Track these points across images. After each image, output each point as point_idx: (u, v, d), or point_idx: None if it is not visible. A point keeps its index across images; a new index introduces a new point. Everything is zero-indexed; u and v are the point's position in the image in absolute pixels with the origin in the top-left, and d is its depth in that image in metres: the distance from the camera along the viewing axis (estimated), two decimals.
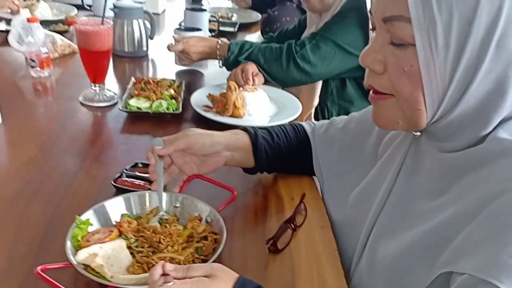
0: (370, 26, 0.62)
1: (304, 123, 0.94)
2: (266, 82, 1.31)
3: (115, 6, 1.47)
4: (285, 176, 0.94)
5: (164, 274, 0.54)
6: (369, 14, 0.62)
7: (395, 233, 0.64)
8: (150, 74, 1.46)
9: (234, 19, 2.05)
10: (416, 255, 0.58)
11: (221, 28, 1.85)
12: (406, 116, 0.59)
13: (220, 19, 1.97)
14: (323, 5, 1.36)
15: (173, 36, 1.39)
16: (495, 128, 0.55)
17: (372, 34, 0.61)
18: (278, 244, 0.75)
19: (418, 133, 0.66)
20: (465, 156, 0.57)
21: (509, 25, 0.51)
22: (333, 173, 0.87)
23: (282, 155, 0.89)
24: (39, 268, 0.58)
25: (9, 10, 1.72)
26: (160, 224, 0.72)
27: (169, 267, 0.55)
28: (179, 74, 1.48)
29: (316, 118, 1.46)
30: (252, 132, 0.87)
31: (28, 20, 1.27)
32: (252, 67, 1.27)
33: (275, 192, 0.90)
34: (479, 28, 0.51)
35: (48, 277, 0.58)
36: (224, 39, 1.38)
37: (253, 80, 1.25)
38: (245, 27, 1.99)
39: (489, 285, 0.46)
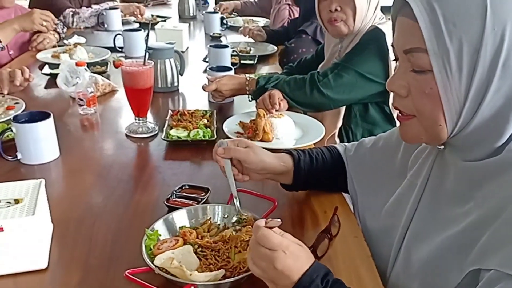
0: (393, 57, 0.73)
1: (337, 145, 1.04)
2: (290, 108, 1.42)
3: (149, 48, 1.61)
4: (317, 192, 1.03)
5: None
6: (391, 47, 0.73)
7: (426, 237, 0.72)
8: (181, 106, 1.59)
9: (252, 52, 2.19)
10: (447, 256, 0.66)
11: (242, 61, 1.98)
12: (428, 132, 0.68)
13: (240, 53, 2.11)
14: (348, 29, 1.43)
15: (207, 77, 1.52)
16: (510, 140, 0.63)
17: (395, 64, 0.73)
18: (318, 251, 0.84)
19: (442, 147, 0.74)
20: (485, 165, 0.65)
21: (511, 49, 0.59)
22: (366, 188, 0.95)
23: (319, 175, 0.99)
24: (127, 271, 0.70)
25: (49, 55, 1.89)
26: (239, 222, 0.84)
27: (274, 222, 0.67)
28: (209, 105, 1.60)
29: (341, 140, 1.54)
30: (296, 158, 0.97)
31: (77, 64, 1.42)
32: (277, 93, 1.38)
33: (309, 206, 0.99)
34: (486, 53, 0.59)
35: (137, 279, 0.69)
36: (252, 75, 1.50)
37: (279, 104, 1.36)
38: (263, 59, 2.13)
39: None
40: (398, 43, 0.68)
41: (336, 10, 1.40)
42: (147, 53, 1.26)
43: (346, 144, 1.05)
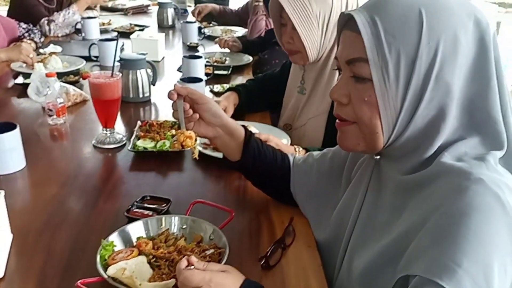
0: (335, 67, 0.78)
1: (288, 154, 1.06)
2: (258, 119, 1.45)
3: (121, 58, 1.64)
4: (276, 202, 1.07)
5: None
6: (334, 60, 0.77)
7: (365, 245, 0.76)
8: (153, 117, 1.61)
9: (227, 62, 2.23)
10: (381, 265, 0.70)
11: (216, 72, 2.02)
12: (366, 139, 0.72)
13: (215, 64, 2.15)
14: (305, 61, 1.36)
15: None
16: (441, 152, 0.67)
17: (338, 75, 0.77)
18: (270, 261, 0.87)
19: (378, 157, 0.79)
20: (416, 178, 0.69)
21: (444, 62, 0.64)
22: (311, 198, 0.98)
23: (266, 165, 0.99)
24: (79, 282, 0.72)
25: (24, 65, 1.90)
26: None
27: (193, 259, 0.70)
28: None
29: None
30: (249, 132, 0.98)
31: (47, 75, 1.44)
32: None
33: (267, 216, 1.02)
34: (421, 65, 0.64)
35: None
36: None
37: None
38: (238, 69, 2.16)
39: (434, 283, 0.56)
40: (342, 55, 0.73)
41: (289, 42, 1.34)
42: (115, 65, 1.29)
43: (296, 155, 1.08)
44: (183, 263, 0.70)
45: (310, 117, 1.40)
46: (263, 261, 0.87)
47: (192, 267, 0.69)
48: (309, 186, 1.00)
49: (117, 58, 1.32)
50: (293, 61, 1.42)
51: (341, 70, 0.75)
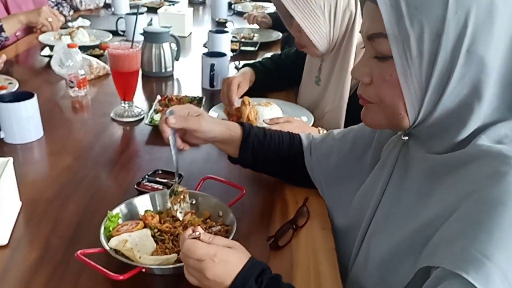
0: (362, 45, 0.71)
1: (302, 135, 0.99)
2: (280, 96, 1.39)
3: (144, 31, 1.62)
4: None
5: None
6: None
7: (386, 232, 0.71)
8: (175, 92, 1.59)
9: (255, 39, 2.17)
10: (403, 253, 0.64)
11: (242, 48, 1.97)
12: (389, 120, 0.66)
13: (243, 39, 2.09)
14: (317, 52, 1.29)
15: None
16: (478, 135, 0.60)
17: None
18: (279, 241, 0.83)
19: (406, 138, 0.72)
20: (447, 159, 0.63)
21: (476, 34, 0.56)
22: (332, 181, 0.93)
23: (269, 157, 0.95)
24: (79, 252, 0.70)
25: (52, 38, 1.91)
26: (174, 194, 0.84)
27: (199, 229, 0.66)
28: (202, 92, 1.60)
29: None
30: (247, 128, 0.93)
31: (68, 45, 1.44)
32: (236, 80, 1.35)
33: (280, 195, 0.98)
34: (448, 38, 0.57)
35: (86, 259, 0.69)
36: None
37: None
38: (266, 46, 2.10)
39: (458, 276, 0.50)
40: (363, 29, 0.67)
41: (297, 35, 1.28)
42: (136, 35, 1.26)
43: (314, 134, 1.01)
44: (188, 231, 0.66)
45: (326, 110, 1.33)
46: (271, 241, 0.83)
47: (198, 233, 0.65)
48: (329, 168, 0.94)
49: (139, 30, 1.29)
50: (308, 54, 1.38)
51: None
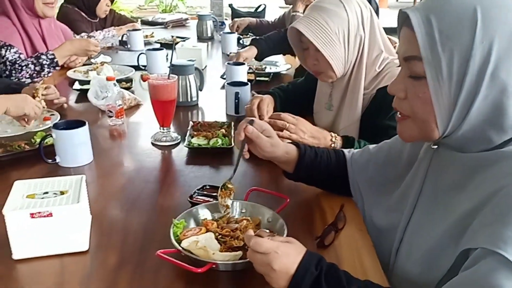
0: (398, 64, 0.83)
1: (345, 150, 1.12)
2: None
3: (172, 65, 1.75)
4: (325, 192, 1.13)
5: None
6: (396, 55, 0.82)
7: (425, 227, 0.80)
8: (200, 119, 1.71)
9: (267, 70, 2.32)
10: (444, 243, 0.73)
11: (257, 78, 2.12)
12: (422, 132, 0.77)
13: (256, 71, 2.24)
14: (332, 78, 1.39)
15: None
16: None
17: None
18: (325, 241, 0.94)
19: (435, 146, 0.83)
20: (480, 156, 0.73)
21: (499, 60, 0.66)
22: (370, 189, 1.03)
23: (320, 172, 1.07)
24: (159, 251, 0.81)
25: (80, 74, 2.05)
26: (224, 189, 0.97)
27: (260, 231, 0.77)
28: (227, 117, 1.72)
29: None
30: (302, 151, 1.05)
31: (107, 78, 1.57)
32: (266, 100, 1.49)
33: (317, 204, 1.09)
34: (474, 63, 0.67)
35: (167, 257, 0.80)
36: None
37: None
38: (277, 76, 2.26)
39: (496, 254, 0.59)
40: (400, 51, 0.78)
41: (314, 64, 1.37)
42: (170, 68, 1.39)
43: (353, 149, 1.13)
44: (251, 231, 0.77)
45: (341, 128, 1.44)
46: (318, 240, 0.93)
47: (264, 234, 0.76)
48: (366, 176, 1.04)
49: (164, 65, 1.42)
50: (322, 80, 1.45)
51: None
